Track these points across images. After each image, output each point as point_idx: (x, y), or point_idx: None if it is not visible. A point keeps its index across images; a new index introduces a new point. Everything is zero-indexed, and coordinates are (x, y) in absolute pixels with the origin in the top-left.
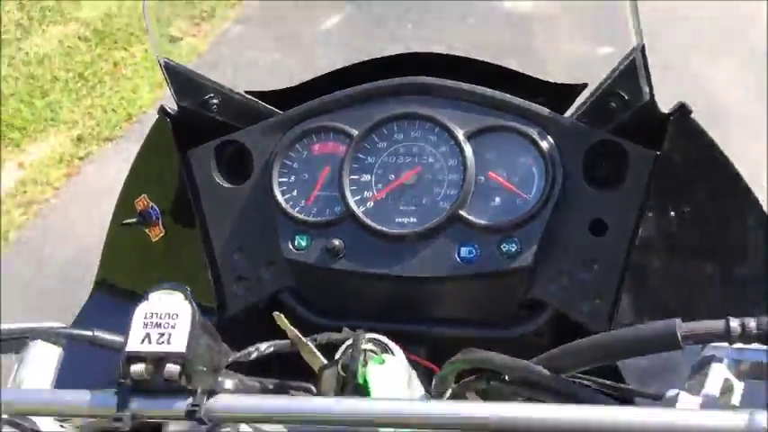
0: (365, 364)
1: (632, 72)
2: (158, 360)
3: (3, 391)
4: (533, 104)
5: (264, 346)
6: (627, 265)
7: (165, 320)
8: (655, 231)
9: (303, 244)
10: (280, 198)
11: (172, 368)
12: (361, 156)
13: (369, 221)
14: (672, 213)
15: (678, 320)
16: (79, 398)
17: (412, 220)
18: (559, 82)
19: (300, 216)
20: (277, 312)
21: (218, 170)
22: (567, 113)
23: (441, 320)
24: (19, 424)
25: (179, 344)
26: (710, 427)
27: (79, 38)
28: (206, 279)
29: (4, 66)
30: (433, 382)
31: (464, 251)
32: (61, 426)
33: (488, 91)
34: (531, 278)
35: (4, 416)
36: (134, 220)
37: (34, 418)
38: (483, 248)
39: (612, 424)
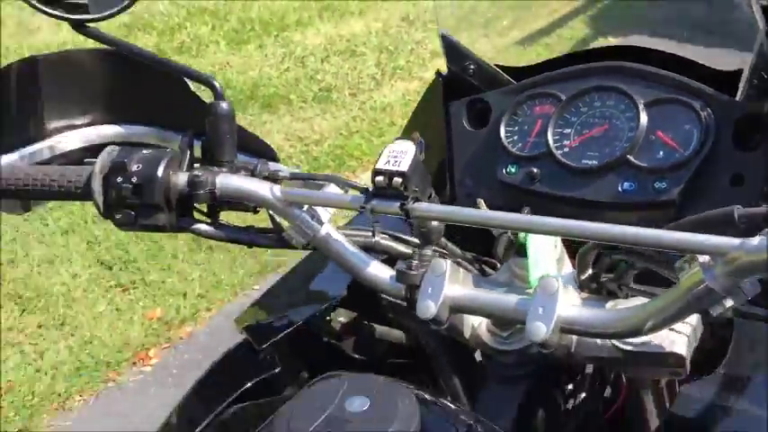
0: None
1: (763, 55)
2: (390, 174)
3: (296, 190)
4: (700, 84)
5: None
6: None
7: (399, 153)
8: None
9: (512, 171)
10: (504, 140)
11: (397, 180)
12: (566, 115)
13: (562, 159)
14: None
15: (738, 206)
16: (337, 197)
17: (594, 161)
18: (721, 69)
19: (515, 152)
20: (479, 199)
21: (467, 118)
22: (738, 96)
23: None
24: (314, 214)
25: (404, 166)
26: (712, 244)
27: (417, 93)
28: (445, 195)
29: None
30: (576, 259)
31: (626, 185)
32: (335, 225)
33: (667, 73)
34: (677, 215)
35: (306, 206)
36: None
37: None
38: (640, 184)
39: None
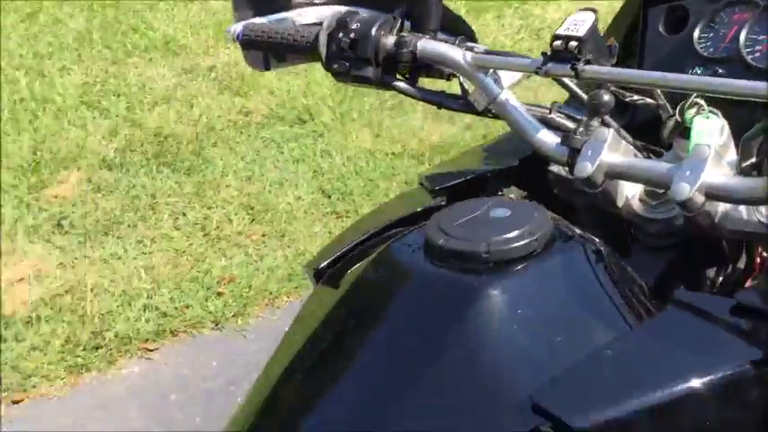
0: (695, 114)
1: None
2: (567, 39)
3: (482, 55)
4: None
5: (636, 98)
6: None
7: (579, 22)
8: None
9: (698, 72)
10: (696, 44)
11: (572, 44)
12: (763, 21)
13: (750, 61)
14: None
15: None
16: (517, 60)
17: None
18: None
19: (704, 54)
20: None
21: (663, 24)
22: None
23: None
24: (497, 79)
25: (581, 32)
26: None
27: None
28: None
29: None
30: (740, 145)
31: None
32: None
33: None
34: None
35: (491, 71)
36: None
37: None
38: None
39: None
